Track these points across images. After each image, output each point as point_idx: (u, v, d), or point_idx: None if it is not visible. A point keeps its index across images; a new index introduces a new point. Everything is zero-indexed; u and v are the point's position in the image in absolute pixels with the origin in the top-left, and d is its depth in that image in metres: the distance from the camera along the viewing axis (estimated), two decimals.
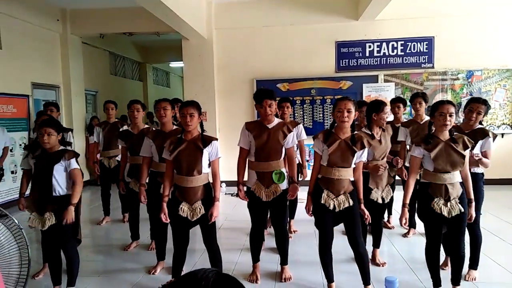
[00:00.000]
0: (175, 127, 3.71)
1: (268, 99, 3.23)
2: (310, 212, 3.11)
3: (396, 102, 4.64)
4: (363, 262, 3.03)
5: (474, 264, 3.39)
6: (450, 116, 2.79)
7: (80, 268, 3.36)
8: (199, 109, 3.05)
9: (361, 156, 3.01)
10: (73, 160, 3.11)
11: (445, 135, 2.88)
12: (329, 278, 3.13)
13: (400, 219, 3.02)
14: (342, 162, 2.94)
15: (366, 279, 3.05)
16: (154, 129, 3.91)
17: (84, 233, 5.20)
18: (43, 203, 3.03)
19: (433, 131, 2.96)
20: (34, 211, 3.06)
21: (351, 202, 2.95)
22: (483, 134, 3.25)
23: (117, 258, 4.15)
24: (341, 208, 2.94)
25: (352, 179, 3.02)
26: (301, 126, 4.68)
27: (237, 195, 3.48)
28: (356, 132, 3.07)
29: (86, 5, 7.66)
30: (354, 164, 3.01)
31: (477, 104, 3.22)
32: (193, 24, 6.66)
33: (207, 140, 3.02)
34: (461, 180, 2.89)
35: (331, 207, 2.94)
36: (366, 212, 3.03)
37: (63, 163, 3.08)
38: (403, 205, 3.00)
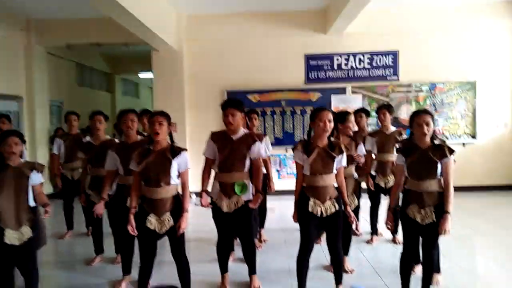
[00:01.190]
0: (140, 138, 3.64)
1: (232, 108, 3.23)
2: (297, 220, 3.14)
3: (359, 112, 4.76)
4: (340, 264, 3.18)
5: (436, 268, 3.47)
6: (427, 125, 2.86)
7: (41, 285, 3.21)
8: (169, 119, 3.02)
9: (341, 161, 3.09)
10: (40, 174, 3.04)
11: (425, 143, 2.93)
12: (302, 286, 3.13)
13: (386, 223, 3.12)
14: (324, 169, 3.02)
15: (339, 278, 3.18)
16: (117, 141, 3.82)
17: (47, 248, 5.00)
18: (20, 217, 2.90)
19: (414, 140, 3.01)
20: (8, 227, 2.87)
21: (337, 207, 3.04)
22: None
23: (80, 274, 4.00)
24: (328, 214, 3.01)
25: (336, 185, 3.09)
26: (267, 138, 4.69)
27: (200, 202, 3.41)
28: (333, 139, 3.14)
29: (52, 15, 7.47)
30: (336, 170, 3.08)
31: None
32: (163, 35, 6.63)
33: (176, 151, 2.98)
34: (440, 190, 2.89)
35: (319, 213, 3.00)
36: (352, 214, 3.15)
37: (36, 175, 2.99)
38: (388, 209, 3.09)
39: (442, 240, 3.48)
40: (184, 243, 3.10)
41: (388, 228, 3.13)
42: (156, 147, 2.98)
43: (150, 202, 2.94)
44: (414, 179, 2.93)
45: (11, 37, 7.28)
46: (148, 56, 7.80)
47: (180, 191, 3.06)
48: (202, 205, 3.36)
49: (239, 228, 3.38)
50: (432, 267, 3.02)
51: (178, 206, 2.99)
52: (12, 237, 2.86)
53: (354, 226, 3.26)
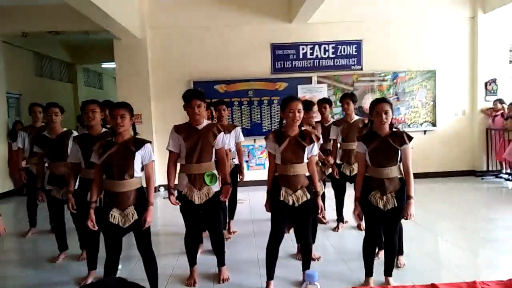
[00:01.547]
0: (104, 130, 3.53)
1: (197, 99, 3.19)
2: (269, 209, 3.17)
3: (323, 102, 4.84)
4: (308, 251, 3.23)
5: (400, 250, 3.64)
6: (386, 113, 2.95)
7: (6, 284, 3.11)
8: (131, 111, 2.94)
9: (312, 150, 3.12)
10: None
11: (385, 131, 3.02)
12: (270, 275, 3.18)
13: (353, 213, 3.18)
14: (295, 158, 3.06)
15: (307, 265, 3.23)
16: (76, 133, 3.71)
17: (8, 246, 4.83)
18: None
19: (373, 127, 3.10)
20: None
21: (308, 196, 3.07)
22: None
23: (45, 271, 3.88)
24: (299, 203, 3.04)
25: (307, 174, 3.13)
26: (239, 129, 4.72)
27: (169, 199, 3.36)
28: (304, 128, 3.17)
29: (5, 1, 7.07)
30: (307, 159, 3.12)
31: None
32: (125, 22, 6.43)
33: (139, 143, 2.93)
34: (400, 176, 3.01)
35: (290, 202, 3.03)
36: (321, 204, 3.19)
37: None
38: (355, 199, 3.13)
39: (405, 225, 3.66)
40: (150, 237, 3.06)
41: (358, 218, 3.19)
42: (118, 139, 2.92)
43: (113, 196, 2.87)
44: (376, 166, 3.02)
45: None
46: (110, 44, 7.56)
47: (144, 184, 3.01)
48: (171, 202, 3.32)
49: (208, 219, 3.38)
50: (394, 251, 3.15)
51: (142, 199, 2.93)
52: None
53: (320, 215, 3.33)
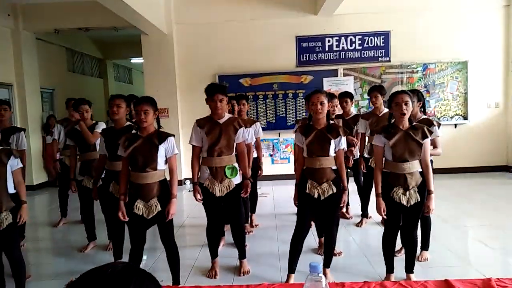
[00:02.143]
0: (128, 123, 3.62)
1: (220, 93, 3.24)
2: (297, 202, 3.18)
3: (344, 96, 4.76)
4: (332, 247, 3.20)
5: (425, 246, 3.61)
6: (406, 105, 2.87)
7: (34, 271, 3.28)
8: (154, 105, 2.98)
9: (339, 144, 3.10)
10: (18, 159, 3.03)
11: (405, 124, 2.95)
12: (292, 268, 3.19)
13: (378, 210, 3.03)
14: (320, 151, 3.05)
15: (329, 259, 3.21)
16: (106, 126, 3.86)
17: (41, 235, 5.06)
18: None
19: (394, 121, 3.02)
20: None
21: (335, 190, 3.05)
22: (427, 123, 3.36)
23: (73, 260, 4.05)
24: (325, 196, 3.04)
25: (334, 167, 3.11)
26: (258, 124, 4.72)
27: (194, 195, 3.41)
28: (332, 121, 3.15)
29: (38, 0, 7.35)
30: (334, 152, 3.09)
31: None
32: (152, 18, 6.55)
33: (163, 137, 2.99)
34: (420, 170, 2.95)
35: (316, 195, 3.04)
36: (345, 199, 3.17)
37: (13, 161, 2.96)
38: (376, 196, 3.02)
39: (432, 221, 3.59)
40: (173, 229, 3.13)
41: (383, 215, 3.08)
42: (143, 133, 2.99)
43: (137, 188, 2.95)
44: (397, 161, 2.94)
45: None
46: (138, 40, 7.71)
47: (168, 176, 3.08)
48: (195, 199, 3.37)
49: (229, 212, 3.42)
50: (415, 247, 3.09)
51: (165, 191, 3.00)
52: None
53: (343, 210, 3.31)
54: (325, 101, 3.04)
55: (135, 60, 12.66)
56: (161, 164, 2.98)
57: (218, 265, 3.54)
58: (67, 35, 8.99)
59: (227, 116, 3.39)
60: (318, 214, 3.25)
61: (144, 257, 3.28)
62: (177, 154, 3.10)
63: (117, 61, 12.96)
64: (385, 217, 3.04)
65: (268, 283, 1.85)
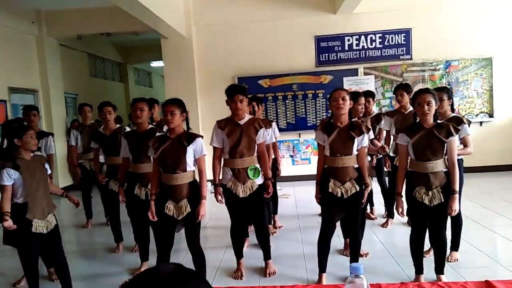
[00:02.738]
0: (150, 126, 3.66)
1: (240, 94, 3.25)
2: (319, 200, 3.17)
3: (366, 96, 4.67)
4: (357, 247, 3.18)
5: (455, 246, 3.53)
6: (428, 105, 2.81)
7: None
8: (181, 107, 2.97)
9: (362, 142, 3.06)
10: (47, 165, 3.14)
11: (429, 123, 2.89)
12: (322, 268, 3.18)
13: (396, 209, 3.03)
14: (344, 150, 3.02)
15: (356, 259, 3.19)
16: (129, 129, 3.91)
17: (67, 238, 5.14)
18: (45, 207, 3.00)
19: (418, 119, 2.97)
20: (36, 217, 2.96)
21: (357, 188, 3.03)
22: (457, 122, 3.28)
23: (100, 262, 4.12)
24: (348, 195, 3.01)
25: (356, 166, 3.08)
26: (274, 124, 4.68)
27: (215, 196, 3.41)
28: (354, 119, 3.12)
29: (61, 6, 7.51)
30: (356, 150, 3.06)
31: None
32: (171, 22, 6.61)
33: (191, 137, 2.99)
34: (446, 170, 2.88)
35: (339, 194, 3.01)
36: (365, 197, 3.13)
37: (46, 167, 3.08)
38: (396, 195, 3.01)
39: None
40: (199, 231, 3.13)
41: (402, 214, 3.05)
42: (172, 134, 3.01)
43: (168, 189, 2.97)
44: (420, 160, 2.89)
45: (23, 30, 7.35)
46: (158, 44, 7.80)
47: (197, 178, 3.09)
48: (216, 199, 3.38)
49: (252, 213, 3.43)
50: (443, 248, 3.03)
51: (195, 192, 3.01)
52: (39, 226, 2.96)
53: (368, 210, 3.28)
54: (347, 97, 3.01)
55: (155, 64, 12.83)
56: (190, 165, 3.00)
57: (243, 266, 3.54)
58: (89, 40, 9.18)
59: (247, 117, 3.40)
60: (344, 213, 3.22)
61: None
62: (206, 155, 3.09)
63: (137, 65, 13.16)
64: (403, 216, 3.01)
65: (302, 284, 1.83)
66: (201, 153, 3.02)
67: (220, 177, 3.42)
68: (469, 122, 3.53)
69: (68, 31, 7.91)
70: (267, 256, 3.51)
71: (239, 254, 3.53)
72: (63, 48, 8.58)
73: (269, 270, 3.47)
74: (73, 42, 8.81)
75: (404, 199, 3.04)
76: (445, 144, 2.84)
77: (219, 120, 3.42)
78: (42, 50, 7.74)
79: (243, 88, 3.33)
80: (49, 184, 3.14)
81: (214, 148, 3.39)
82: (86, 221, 5.45)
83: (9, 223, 2.84)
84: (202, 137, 3.07)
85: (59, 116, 8.11)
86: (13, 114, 6.92)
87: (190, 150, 2.96)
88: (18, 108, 7.24)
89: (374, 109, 5.08)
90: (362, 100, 3.73)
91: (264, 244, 3.49)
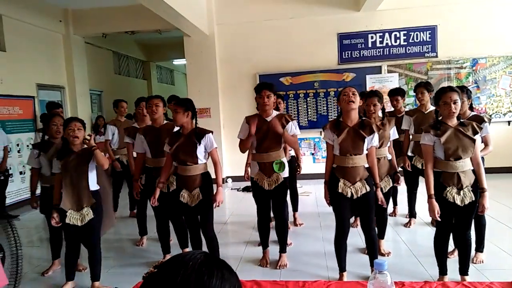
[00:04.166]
0: (166, 121, 3.82)
1: (267, 90, 3.39)
2: (329, 201, 3.15)
3: (395, 94, 4.60)
4: (373, 245, 3.13)
5: (479, 247, 3.45)
6: (455, 103, 2.76)
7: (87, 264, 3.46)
8: (184, 106, 3.19)
9: (372, 141, 3.02)
10: None
11: (453, 121, 2.84)
12: (342, 267, 3.17)
13: (431, 212, 2.85)
14: (354, 149, 2.98)
15: (374, 257, 3.15)
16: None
17: None
18: (81, 199, 3.12)
19: (441, 117, 2.92)
20: (70, 208, 3.11)
21: (368, 188, 2.99)
22: (478, 121, 3.20)
23: (124, 253, 4.22)
24: (358, 195, 2.98)
25: (366, 165, 3.05)
26: (295, 121, 4.64)
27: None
28: (364, 118, 3.09)
29: (87, 5, 7.70)
30: (366, 150, 3.03)
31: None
32: (194, 20, 6.67)
33: (201, 134, 3.24)
34: (472, 168, 2.84)
35: (349, 195, 2.98)
36: (380, 196, 3.08)
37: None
38: (429, 197, 2.86)
39: (487, 222, 3.43)
40: (213, 219, 3.34)
41: (437, 217, 2.87)
42: (184, 131, 3.27)
43: (183, 179, 3.27)
44: (449, 160, 2.82)
45: (51, 29, 7.56)
46: (181, 42, 7.89)
47: (209, 169, 3.36)
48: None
49: (275, 204, 3.58)
50: (469, 248, 2.96)
51: (206, 182, 3.29)
52: (73, 217, 3.10)
53: (390, 210, 3.23)
54: (357, 93, 2.99)
55: (177, 62, 12.97)
56: (201, 159, 3.27)
57: (268, 254, 3.68)
58: (114, 38, 9.35)
59: (274, 113, 3.53)
60: (357, 213, 3.20)
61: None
62: (217, 148, 3.39)
63: (160, 63, 13.34)
64: (439, 219, 2.89)
65: (324, 280, 1.83)
66: (212, 147, 3.28)
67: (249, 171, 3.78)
68: (490, 120, 3.51)
69: (94, 29, 8.09)
70: (282, 249, 3.64)
71: (265, 243, 3.69)
72: (88, 46, 8.77)
73: (281, 263, 3.59)
74: (98, 40, 9.00)
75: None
76: (475, 142, 2.78)
77: (248, 116, 3.60)
78: (69, 48, 7.95)
79: (270, 84, 3.48)
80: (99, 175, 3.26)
81: (240, 140, 3.56)
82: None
83: (54, 221, 3.12)
84: (211, 132, 3.31)
85: (85, 112, 8.30)
86: (40, 110, 7.13)
87: (201, 145, 3.23)
88: (45, 104, 7.46)
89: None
90: (374, 100, 3.61)
91: (281, 236, 3.62)
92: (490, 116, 7.13)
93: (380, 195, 3.09)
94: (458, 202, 2.81)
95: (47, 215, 3.47)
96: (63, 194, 3.14)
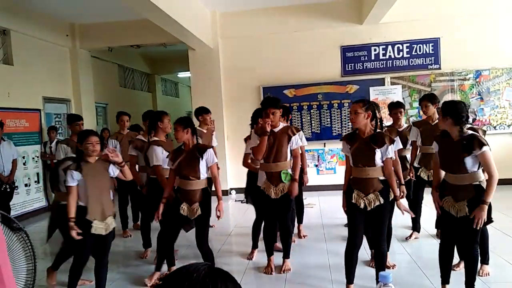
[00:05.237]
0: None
1: (272, 107, 3.54)
2: (345, 209, 3.19)
3: (397, 107, 4.50)
4: (382, 260, 3.12)
5: (484, 259, 3.40)
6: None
7: (89, 276, 3.47)
8: (183, 124, 3.35)
9: (387, 153, 2.99)
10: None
11: (456, 135, 2.83)
12: (350, 279, 3.15)
13: (433, 202, 3.10)
14: (365, 160, 3.00)
15: (382, 270, 3.10)
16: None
17: None
18: (104, 208, 3.14)
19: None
20: (95, 218, 3.09)
21: (382, 201, 2.98)
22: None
23: (128, 266, 4.20)
24: (372, 207, 2.99)
25: (382, 178, 3.02)
26: (301, 132, 4.66)
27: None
28: (378, 130, 3.09)
29: (93, 19, 7.83)
30: (382, 162, 3.01)
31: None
32: (198, 34, 6.76)
33: (202, 150, 3.38)
34: (476, 183, 2.78)
35: (362, 206, 3.00)
36: (403, 206, 3.06)
37: (112, 170, 3.20)
38: (432, 188, 3.10)
39: (493, 235, 3.41)
40: (208, 233, 3.44)
41: (439, 206, 2.99)
42: (186, 147, 3.41)
43: (183, 193, 3.38)
44: (445, 171, 2.92)
45: (58, 43, 7.68)
46: (185, 55, 7.98)
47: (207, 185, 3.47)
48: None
49: (279, 211, 3.66)
50: (474, 262, 2.92)
51: (206, 198, 3.40)
52: (99, 227, 3.09)
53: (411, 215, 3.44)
54: (359, 111, 2.98)
55: (182, 75, 13.08)
56: (203, 174, 3.39)
57: (273, 262, 3.75)
58: (119, 52, 9.49)
59: (281, 125, 3.68)
60: (367, 225, 3.18)
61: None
62: (217, 162, 3.53)
63: (164, 75, 13.47)
64: (439, 211, 2.99)
65: None
66: (212, 162, 3.41)
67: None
68: (484, 132, 3.69)
69: (99, 43, 8.22)
70: (286, 254, 3.77)
71: (270, 251, 3.76)
72: (94, 60, 8.89)
73: (284, 267, 3.72)
74: (104, 53, 9.13)
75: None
76: (466, 158, 2.74)
77: (257, 127, 3.75)
78: (75, 61, 8.07)
79: (275, 101, 3.62)
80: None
81: (253, 148, 3.66)
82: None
83: (75, 232, 2.99)
84: (212, 147, 3.48)
85: (90, 124, 8.33)
86: (47, 123, 7.20)
87: (203, 160, 3.36)
88: (51, 116, 7.54)
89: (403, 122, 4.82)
90: (400, 109, 3.79)
91: (285, 243, 3.77)
92: (495, 127, 7.11)
93: (402, 206, 3.06)
94: (453, 212, 2.85)
95: (64, 230, 3.33)
96: (89, 205, 3.06)
